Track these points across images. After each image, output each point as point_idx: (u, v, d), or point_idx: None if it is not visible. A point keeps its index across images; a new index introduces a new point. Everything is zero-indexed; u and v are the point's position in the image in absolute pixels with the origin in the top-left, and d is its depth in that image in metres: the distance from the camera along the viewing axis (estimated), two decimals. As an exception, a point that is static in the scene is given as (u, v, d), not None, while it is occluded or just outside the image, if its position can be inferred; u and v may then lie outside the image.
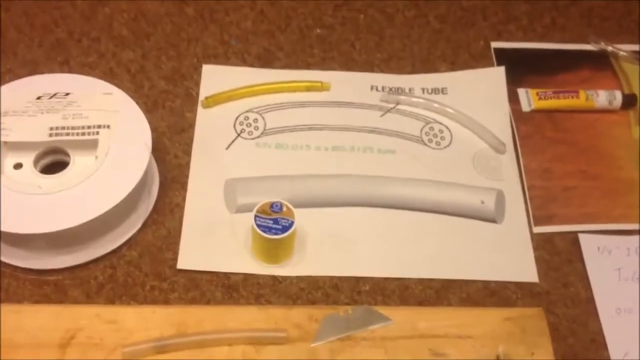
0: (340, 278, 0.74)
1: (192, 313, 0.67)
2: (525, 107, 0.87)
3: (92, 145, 0.72)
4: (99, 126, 0.73)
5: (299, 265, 0.74)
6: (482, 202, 0.80)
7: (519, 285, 0.75)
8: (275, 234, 0.70)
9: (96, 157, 0.71)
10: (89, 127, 0.73)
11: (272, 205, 0.72)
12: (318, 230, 0.77)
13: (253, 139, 0.83)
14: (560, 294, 0.75)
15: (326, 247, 0.76)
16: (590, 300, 0.75)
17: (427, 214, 0.79)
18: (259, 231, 0.70)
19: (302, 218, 0.74)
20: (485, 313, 0.70)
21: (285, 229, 0.70)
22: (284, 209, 0.71)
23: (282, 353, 0.65)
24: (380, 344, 0.66)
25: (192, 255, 0.73)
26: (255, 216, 0.71)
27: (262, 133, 0.83)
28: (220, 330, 0.65)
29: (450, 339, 0.67)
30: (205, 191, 0.78)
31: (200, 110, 0.84)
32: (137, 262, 0.73)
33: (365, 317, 0.68)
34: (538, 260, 0.77)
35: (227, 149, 0.82)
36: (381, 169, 0.82)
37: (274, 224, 0.70)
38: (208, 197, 0.78)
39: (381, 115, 0.86)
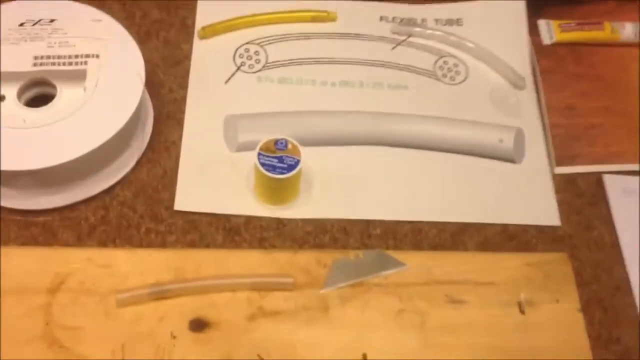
0: (349, 221, 0.69)
1: (191, 257, 0.62)
2: (546, 39, 0.81)
3: (80, 76, 0.66)
4: (88, 55, 0.67)
5: (305, 207, 0.69)
6: (500, 141, 0.75)
7: (539, 229, 0.71)
8: (281, 173, 0.65)
9: (85, 89, 0.66)
10: (76, 57, 0.67)
11: (276, 142, 0.66)
12: (325, 170, 0.72)
13: (254, 72, 0.77)
14: (583, 238, 0.71)
15: (334, 188, 0.71)
16: (615, 245, 0.70)
17: (441, 154, 0.74)
18: (262, 170, 0.65)
19: (308, 157, 0.68)
20: (506, 258, 0.65)
21: (291, 167, 0.65)
22: (290, 146, 0.66)
23: (289, 300, 0.60)
24: (394, 291, 0.62)
25: (190, 196, 0.68)
26: (259, 154, 0.65)
27: (263, 66, 0.77)
28: (222, 275, 0.60)
29: (468, 285, 0.62)
30: (203, 128, 0.73)
31: (196, 41, 0.78)
32: (132, 203, 0.68)
33: (377, 262, 0.63)
34: (560, 202, 0.73)
35: (226, 83, 0.76)
36: (392, 105, 0.76)
37: (278, 162, 0.65)
38: (206, 135, 0.72)
39: (392, 48, 0.80)
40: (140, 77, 0.67)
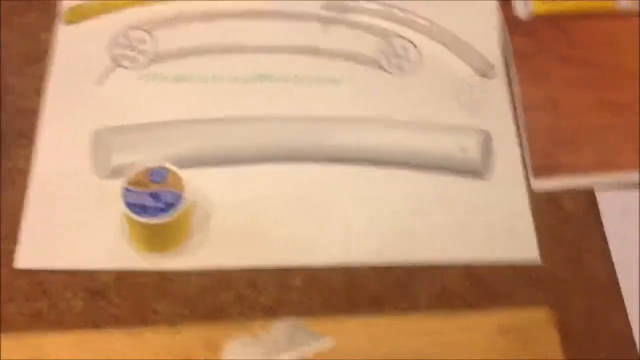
0: (260, 271, 0.53)
1: (27, 344, 0.44)
2: (522, 12, 0.67)
3: None
4: None
5: (199, 254, 0.53)
6: (462, 150, 0.59)
7: (514, 268, 0.55)
8: (154, 215, 0.47)
9: None
10: None
11: (151, 172, 0.48)
12: (229, 199, 0.55)
13: (138, 68, 0.61)
14: (571, 279, 0.56)
15: (240, 225, 0.54)
16: (614, 285, 0.56)
17: (384, 171, 0.58)
18: (129, 212, 0.47)
19: (208, 182, 0.54)
20: (471, 322, 0.49)
21: (168, 207, 0.47)
22: (169, 177, 0.48)
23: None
24: (313, 380, 0.45)
25: (39, 247, 0.52)
26: (125, 190, 0.48)
27: (151, 60, 0.61)
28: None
29: (418, 366, 0.46)
30: (63, 148, 0.56)
31: (61, 28, 0.62)
32: (-47, 260, 0.51)
33: (290, 338, 0.46)
34: (540, 230, 0.57)
35: (98, 84, 0.59)
36: (321, 106, 0.61)
37: (153, 200, 0.47)
38: (67, 157, 0.56)
39: (322, 29, 0.65)
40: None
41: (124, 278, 0.51)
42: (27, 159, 0.55)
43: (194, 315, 0.50)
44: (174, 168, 0.49)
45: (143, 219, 0.47)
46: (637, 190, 0.59)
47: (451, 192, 0.58)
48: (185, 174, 0.49)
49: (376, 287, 0.53)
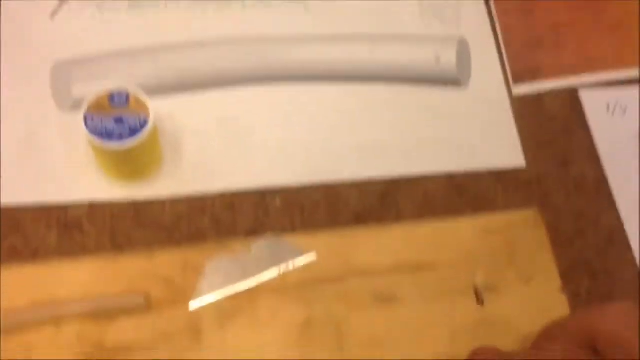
0: (237, 194, 0.50)
1: (5, 277, 0.42)
2: None
3: None
4: None
5: (172, 181, 0.50)
6: (438, 59, 0.55)
7: (498, 174, 0.52)
8: (120, 139, 0.45)
9: None
10: None
11: (112, 96, 0.46)
12: (201, 124, 0.52)
13: None
14: (558, 180, 0.53)
15: (213, 149, 0.51)
16: (602, 182, 0.53)
17: (358, 87, 0.55)
18: (92, 138, 0.45)
19: (176, 109, 0.51)
20: (454, 226, 0.46)
21: (133, 131, 0.45)
22: (132, 99, 0.46)
23: (142, 326, 0.41)
24: (298, 294, 0.43)
25: (6, 183, 0.48)
26: (86, 116, 0.45)
27: None
28: (38, 304, 0.41)
29: (402, 274, 0.44)
30: (23, 82, 0.52)
31: None
32: None
33: (271, 254, 0.44)
34: (523, 134, 0.55)
35: (52, 17, 0.55)
36: (286, 26, 0.57)
37: (116, 124, 0.45)
38: (27, 91, 0.52)
39: None
40: None
41: (97, 209, 0.48)
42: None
43: (171, 242, 0.47)
44: (135, 90, 0.46)
45: (108, 146, 0.45)
46: (621, 88, 0.57)
47: (430, 102, 0.54)
48: (148, 99, 0.47)
49: (358, 203, 0.51)
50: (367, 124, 0.53)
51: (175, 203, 0.49)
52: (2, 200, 0.48)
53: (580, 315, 0.39)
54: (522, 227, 0.46)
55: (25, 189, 0.48)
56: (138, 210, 0.49)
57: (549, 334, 0.39)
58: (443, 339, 0.42)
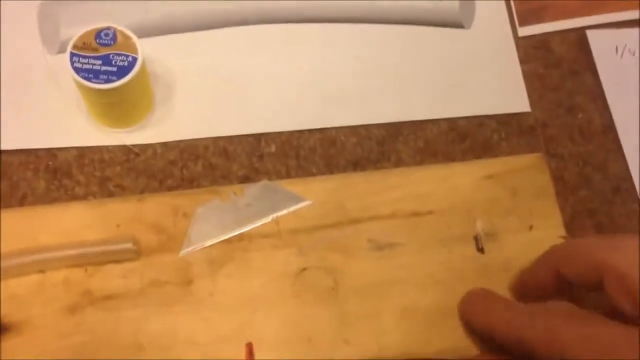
0: (231, 138, 0.49)
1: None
2: None
3: None
4: None
5: (164, 126, 0.48)
6: (440, -2, 0.53)
7: (501, 119, 0.51)
8: (107, 81, 0.43)
9: None
10: None
11: (98, 33, 0.44)
12: (192, 68, 0.50)
13: None
14: (563, 125, 0.51)
15: (206, 92, 0.50)
16: (609, 129, 0.52)
17: (355, 26, 0.53)
18: (78, 78, 0.43)
19: (167, 51, 0.50)
20: (453, 170, 0.45)
21: (123, 71, 0.43)
22: (119, 38, 0.44)
23: (131, 274, 0.40)
24: (291, 241, 0.42)
25: (-9, 128, 0.47)
26: (72, 55, 0.43)
27: None
28: (23, 249, 0.39)
29: (400, 220, 0.43)
30: (8, 23, 0.50)
31: None
32: None
33: (264, 200, 0.43)
34: (528, 76, 0.53)
35: None
36: None
37: (103, 64, 0.43)
38: (12, 32, 0.50)
39: None
40: None
41: (86, 155, 0.47)
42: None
43: (163, 188, 0.46)
44: (122, 28, 0.44)
45: (95, 86, 0.43)
46: (631, 29, 0.55)
47: (431, 44, 0.52)
48: (136, 38, 0.45)
49: (356, 149, 0.49)
50: (365, 67, 0.51)
51: (167, 149, 0.48)
52: (-11, 146, 0.46)
53: (587, 246, 0.35)
54: (525, 173, 0.44)
55: (12, 134, 0.47)
56: (129, 157, 0.47)
57: (546, 266, 0.37)
58: (441, 287, 0.41)
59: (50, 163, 0.47)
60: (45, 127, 0.47)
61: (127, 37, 0.44)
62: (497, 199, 0.43)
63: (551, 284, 0.37)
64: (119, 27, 0.44)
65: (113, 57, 0.43)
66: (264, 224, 0.42)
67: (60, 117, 0.47)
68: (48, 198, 0.45)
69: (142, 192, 0.46)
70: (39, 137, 0.47)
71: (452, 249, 0.42)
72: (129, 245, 0.40)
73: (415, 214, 0.43)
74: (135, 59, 0.44)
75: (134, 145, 0.47)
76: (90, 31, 0.44)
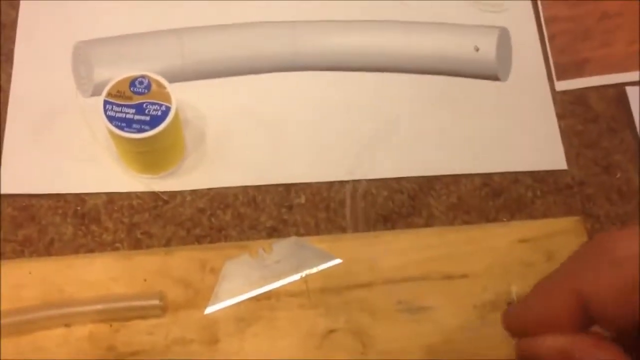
0: (260, 188, 0.48)
1: (17, 270, 0.41)
2: None
3: None
4: None
5: (194, 174, 0.48)
6: (476, 49, 0.52)
7: (537, 176, 0.49)
8: (140, 130, 0.42)
9: None
10: None
11: (132, 82, 0.44)
12: (226, 113, 0.50)
13: None
14: (601, 184, 0.50)
15: (238, 138, 0.49)
16: None
17: (390, 75, 0.52)
18: (111, 127, 0.43)
19: (198, 94, 0.49)
20: (489, 232, 0.44)
21: (156, 120, 0.43)
22: (154, 86, 0.43)
23: (157, 330, 0.39)
24: (319, 301, 0.41)
25: (21, 170, 0.47)
26: (105, 102, 0.43)
27: None
28: (49, 303, 0.39)
29: (432, 281, 0.41)
30: (42, 63, 0.50)
31: None
32: None
33: (293, 257, 0.42)
34: (565, 133, 0.51)
35: None
36: (317, 11, 0.54)
37: (137, 113, 0.43)
38: (47, 75, 0.50)
39: None
40: None
41: (114, 200, 0.46)
42: (5, 75, 0.49)
43: (191, 237, 0.46)
44: (156, 76, 0.44)
45: (128, 135, 0.43)
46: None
47: (466, 96, 0.52)
48: (171, 86, 0.44)
49: (387, 202, 0.48)
50: (398, 118, 0.51)
51: (197, 197, 0.47)
52: (16, 190, 0.46)
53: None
54: (562, 237, 0.43)
55: (42, 178, 0.46)
56: (158, 203, 0.47)
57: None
58: (471, 354, 0.40)
59: (78, 208, 0.46)
60: (76, 172, 0.47)
61: (161, 86, 0.44)
62: (532, 263, 0.42)
63: None
64: (154, 76, 0.44)
65: (147, 106, 0.43)
66: (292, 282, 0.41)
67: (91, 162, 0.47)
68: (75, 244, 0.45)
69: (169, 240, 0.45)
70: (70, 181, 0.46)
71: (485, 314, 0.41)
72: (156, 302, 0.39)
73: (447, 276, 0.42)
74: (168, 108, 0.43)
75: (163, 193, 0.47)
76: (125, 79, 0.44)
